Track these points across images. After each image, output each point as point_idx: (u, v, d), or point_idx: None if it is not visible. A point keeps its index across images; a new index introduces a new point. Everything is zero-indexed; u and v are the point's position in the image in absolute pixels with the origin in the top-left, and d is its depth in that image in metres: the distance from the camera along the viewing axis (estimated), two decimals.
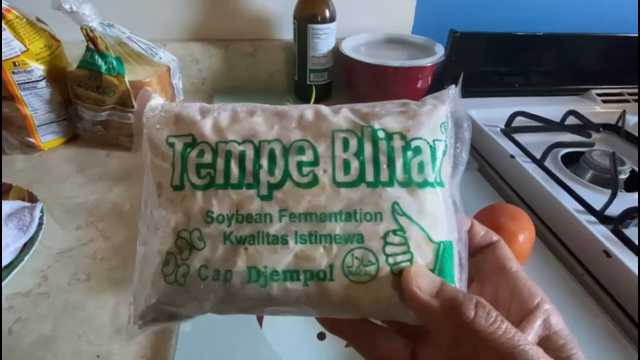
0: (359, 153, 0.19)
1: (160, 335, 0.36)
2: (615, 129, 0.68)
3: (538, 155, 0.59)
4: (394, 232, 0.18)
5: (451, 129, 0.21)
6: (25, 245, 0.43)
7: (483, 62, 0.80)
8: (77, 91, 0.57)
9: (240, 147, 0.19)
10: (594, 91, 0.80)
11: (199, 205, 0.19)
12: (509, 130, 0.66)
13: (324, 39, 0.70)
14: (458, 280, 0.19)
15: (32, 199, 0.49)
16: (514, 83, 0.82)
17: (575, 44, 0.81)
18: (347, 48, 0.72)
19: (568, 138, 0.64)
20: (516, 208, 0.43)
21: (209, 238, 0.18)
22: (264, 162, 0.19)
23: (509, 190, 0.59)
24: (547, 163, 0.59)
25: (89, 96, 0.57)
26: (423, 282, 0.18)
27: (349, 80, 0.75)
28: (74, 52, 0.59)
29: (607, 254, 0.43)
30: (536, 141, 0.63)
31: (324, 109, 0.20)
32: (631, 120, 0.71)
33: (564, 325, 0.19)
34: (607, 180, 0.58)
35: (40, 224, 0.46)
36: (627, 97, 0.79)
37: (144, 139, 0.21)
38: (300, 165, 0.19)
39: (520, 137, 0.64)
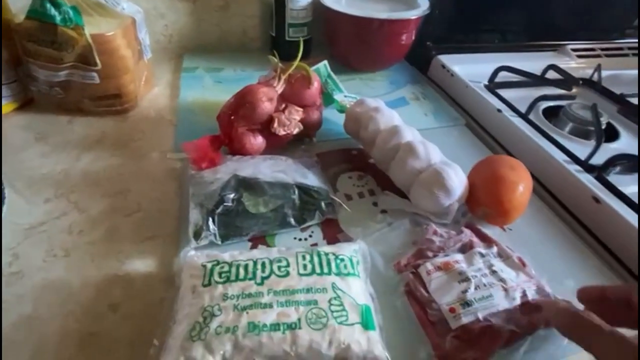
0: (312, 261, 0.33)
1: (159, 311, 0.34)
2: (591, 83, 0.70)
3: (523, 109, 0.60)
4: (335, 299, 0.30)
5: (365, 255, 0.36)
6: None
7: (462, 16, 0.78)
8: (27, 47, 0.50)
9: (246, 262, 0.33)
10: (569, 46, 0.81)
11: (220, 291, 0.30)
12: (492, 86, 0.66)
13: None
14: (378, 327, 0.30)
15: None
16: (494, 39, 0.81)
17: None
18: (328, 0, 0.67)
19: (549, 92, 0.65)
20: (513, 159, 0.43)
21: (224, 308, 0.29)
22: (259, 267, 0.32)
23: (495, 145, 0.59)
24: (531, 117, 0.60)
25: (43, 53, 0.50)
26: None
27: (331, 35, 0.72)
28: (18, 1, 0.51)
29: (597, 200, 0.45)
30: (517, 96, 0.64)
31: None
32: (604, 74, 0.73)
33: None
34: (586, 132, 0.59)
35: (1, 199, 0.40)
36: (599, 52, 0.81)
37: (182, 272, 0.33)
38: (279, 267, 0.32)
39: (504, 93, 0.64)
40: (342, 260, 0.33)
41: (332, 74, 0.56)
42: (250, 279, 0.31)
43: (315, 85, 0.50)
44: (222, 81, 0.67)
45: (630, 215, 0.42)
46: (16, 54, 0.52)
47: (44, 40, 0.49)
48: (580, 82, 0.67)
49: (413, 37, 0.71)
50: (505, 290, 0.32)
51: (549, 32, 0.83)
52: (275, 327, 0.28)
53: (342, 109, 0.55)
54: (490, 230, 0.42)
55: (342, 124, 0.53)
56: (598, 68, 0.70)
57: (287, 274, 0.31)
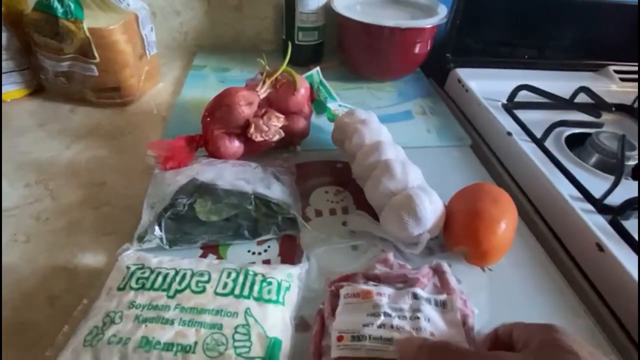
0: (235, 280, 0.31)
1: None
2: (629, 110, 0.61)
3: (539, 134, 0.54)
4: (243, 326, 0.28)
5: (303, 279, 0.34)
6: None
7: (491, 28, 0.72)
8: (34, 37, 0.52)
9: (168, 271, 0.31)
10: (612, 68, 0.72)
11: (129, 297, 0.29)
12: (510, 106, 0.60)
13: None
14: None
15: None
16: (524, 54, 0.74)
17: (597, 12, 0.72)
18: (340, 5, 0.65)
19: (577, 117, 0.58)
20: (498, 189, 0.38)
21: (125, 317, 0.28)
22: (178, 278, 0.31)
23: (501, 171, 0.54)
24: (548, 143, 0.53)
25: (47, 43, 0.52)
26: None
27: (341, 41, 0.69)
28: None
29: (600, 247, 0.38)
30: (540, 119, 0.57)
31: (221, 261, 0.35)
32: None
33: None
34: (613, 166, 0.52)
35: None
36: None
37: (111, 272, 0.33)
38: (198, 282, 0.31)
39: (523, 114, 0.58)
40: (269, 283, 0.31)
41: (324, 81, 0.53)
42: (163, 290, 0.29)
43: (302, 92, 0.48)
44: (225, 81, 0.66)
45: (637, 269, 0.36)
46: (27, 44, 0.54)
47: (47, 32, 0.51)
48: (614, 108, 0.59)
49: (429, 48, 0.66)
50: None
51: (589, 50, 0.74)
52: (168, 346, 0.26)
53: (333, 118, 0.52)
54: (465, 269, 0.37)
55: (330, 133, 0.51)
56: None
57: (203, 290, 0.29)
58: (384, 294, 0.29)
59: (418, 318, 0.27)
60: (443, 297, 0.30)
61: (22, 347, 0.31)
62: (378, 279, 0.31)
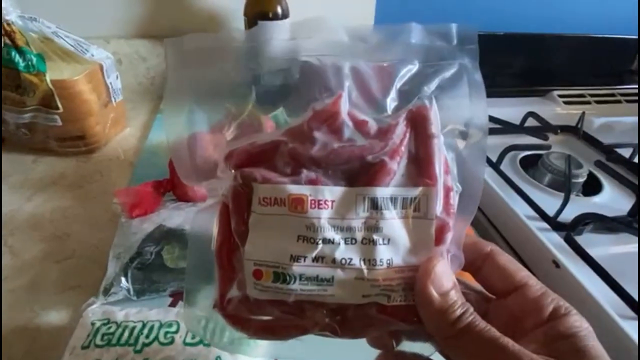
0: (206, 327, 0.28)
1: None
2: (574, 130, 0.67)
3: (494, 159, 0.57)
4: None
5: None
6: None
7: None
8: None
9: (135, 324, 0.31)
10: (556, 92, 0.78)
11: (94, 356, 0.29)
12: None
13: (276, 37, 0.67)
14: None
15: None
16: None
17: (542, 44, 0.80)
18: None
19: (527, 141, 0.62)
20: None
21: None
22: (145, 331, 0.30)
23: None
24: (505, 166, 0.57)
25: (8, 96, 0.51)
26: None
27: None
28: None
29: (556, 264, 0.41)
30: (494, 144, 0.61)
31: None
32: (595, 121, 0.70)
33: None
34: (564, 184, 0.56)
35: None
36: (588, 98, 0.78)
37: (75, 329, 0.31)
38: (166, 333, 0.30)
39: None
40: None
41: (289, 120, 0.55)
42: (130, 345, 0.29)
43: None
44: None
45: (592, 283, 0.38)
46: None
47: (8, 85, 0.51)
48: (559, 130, 0.64)
49: None
50: (361, 279, 0.18)
51: (536, 77, 0.81)
52: None
53: None
54: None
55: None
56: (582, 116, 0.67)
57: (172, 341, 0.29)
58: (325, 202, 0.18)
59: (374, 243, 0.18)
60: (416, 192, 0.18)
61: None
62: (316, 164, 0.19)
